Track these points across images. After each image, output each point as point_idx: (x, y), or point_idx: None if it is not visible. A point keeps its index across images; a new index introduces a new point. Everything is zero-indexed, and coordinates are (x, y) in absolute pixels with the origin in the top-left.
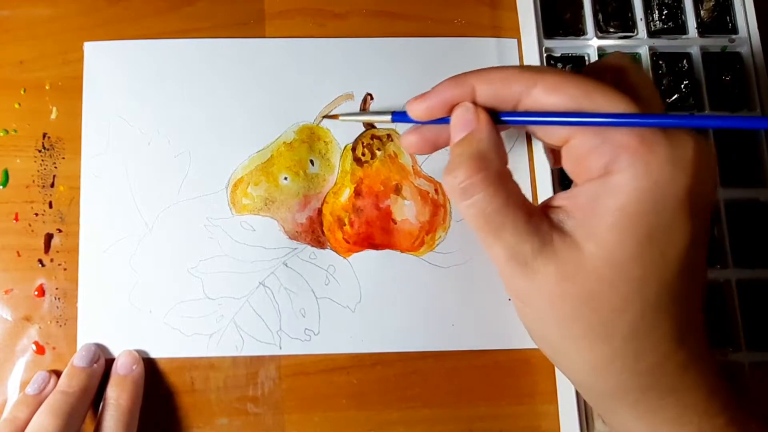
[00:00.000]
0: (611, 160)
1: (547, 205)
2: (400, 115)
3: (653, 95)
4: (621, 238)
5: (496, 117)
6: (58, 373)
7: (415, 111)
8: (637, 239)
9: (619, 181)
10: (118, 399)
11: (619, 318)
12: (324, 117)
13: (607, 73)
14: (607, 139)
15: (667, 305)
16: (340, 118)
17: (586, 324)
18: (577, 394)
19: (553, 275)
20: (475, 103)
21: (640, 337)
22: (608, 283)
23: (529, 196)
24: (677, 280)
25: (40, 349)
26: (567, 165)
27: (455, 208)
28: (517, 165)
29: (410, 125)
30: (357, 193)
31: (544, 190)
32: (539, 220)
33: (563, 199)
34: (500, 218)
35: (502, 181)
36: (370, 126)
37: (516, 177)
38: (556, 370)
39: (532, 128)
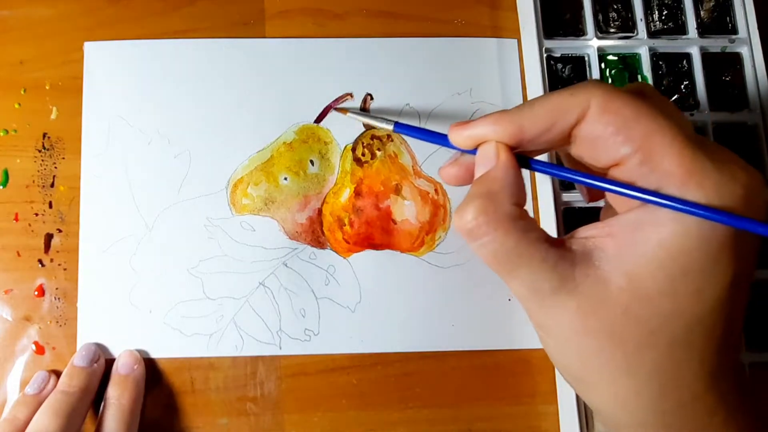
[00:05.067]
0: (657, 190)
1: (573, 236)
2: (402, 127)
3: (684, 119)
4: (654, 272)
5: (525, 161)
6: (58, 373)
7: (456, 137)
8: (671, 274)
9: (663, 213)
10: (119, 399)
11: (644, 353)
12: (335, 110)
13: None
14: (655, 167)
15: (699, 344)
16: (348, 114)
17: (609, 358)
18: (577, 394)
19: (574, 310)
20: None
21: (666, 375)
22: (634, 317)
23: (529, 196)
24: (711, 319)
25: (39, 349)
26: (610, 195)
27: (455, 208)
28: None
29: (451, 157)
30: (357, 193)
31: (545, 191)
32: (558, 257)
33: (595, 229)
34: (513, 258)
35: (513, 222)
36: (370, 126)
37: None
38: (556, 371)
39: (580, 152)
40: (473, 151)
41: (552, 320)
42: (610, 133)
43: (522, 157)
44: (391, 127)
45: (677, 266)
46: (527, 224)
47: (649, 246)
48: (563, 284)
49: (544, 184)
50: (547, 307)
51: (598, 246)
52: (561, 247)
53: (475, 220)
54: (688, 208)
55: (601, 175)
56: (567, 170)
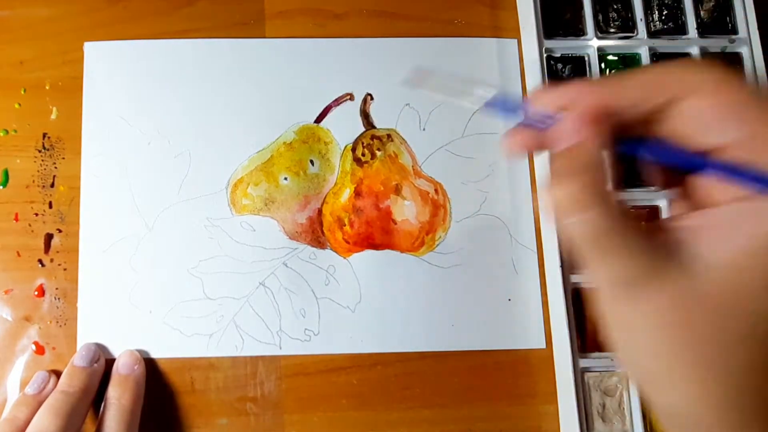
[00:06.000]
0: None
1: (667, 225)
2: (495, 104)
3: None
4: (755, 267)
5: (618, 139)
6: (58, 373)
7: (540, 100)
8: None
9: (766, 206)
10: (120, 399)
11: (737, 351)
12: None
13: None
14: (762, 156)
15: None
16: (427, 85)
17: (697, 355)
18: (577, 394)
19: (665, 303)
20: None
21: (759, 373)
22: (730, 313)
23: (529, 199)
24: None
25: (39, 349)
26: (706, 181)
27: (455, 208)
28: (518, 164)
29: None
30: (357, 193)
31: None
32: (653, 245)
33: (693, 219)
34: (611, 239)
35: (614, 202)
36: (369, 126)
37: (516, 178)
38: (556, 370)
39: (679, 130)
40: (548, 122)
41: (636, 313)
42: (720, 114)
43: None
44: (482, 102)
45: None
46: (624, 206)
47: (753, 240)
48: (655, 274)
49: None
50: (632, 298)
51: (695, 237)
52: (656, 236)
53: (579, 193)
54: None
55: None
56: (670, 149)
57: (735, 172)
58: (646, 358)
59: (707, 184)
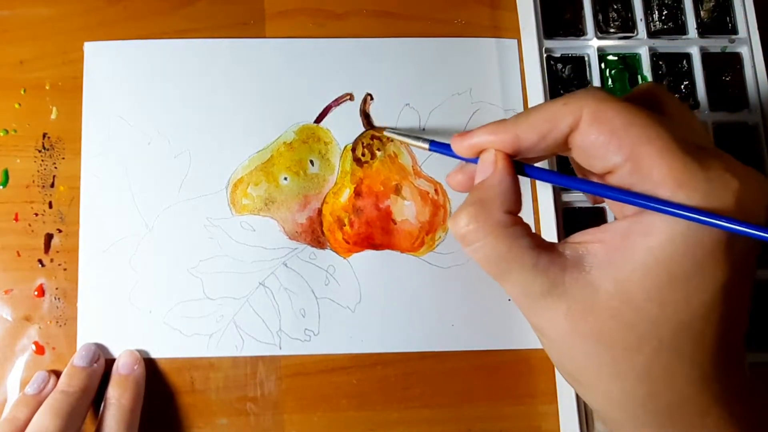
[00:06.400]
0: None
1: (567, 241)
2: (437, 145)
3: (691, 120)
4: (642, 278)
5: (520, 168)
6: (57, 374)
7: (457, 147)
8: (658, 281)
9: (651, 222)
10: (119, 399)
11: (632, 357)
12: (373, 128)
13: (644, 101)
14: (645, 177)
15: (688, 348)
16: (385, 132)
17: (598, 361)
18: (578, 394)
19: (563, 313)
20: (513, 151)
21: (655, 377)
22: (622, 322)
23: (529, 196)
24: (700, 324)
25: (39, 349)
26: (608, 201)
27: (455, 208)
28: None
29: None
30: (357, 193)
31: (545, 192)
32: (549, 261)
33: (589, 234)
34: (504, 263)
35: (504, 229)
36: (369, 126)
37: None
38: (556, 370)
39: (577, 159)
40: (476, 160)
41: (544, 322)
42: (600, 142)
43: (518, 164)
44: (426, 146)
45: (664, 274)
46: (519, 231)
47: (637, 253)
48: (553, 288)
49: (544, 185)
50: (538, 309)
51: (589, 251)
52: (553, 252)
53: (467, 227)
54: (669, 209)
55: (600, 180)
56: (559, 176)
57: (615, 193)
58: (561, 361)
59: (612, 202)
